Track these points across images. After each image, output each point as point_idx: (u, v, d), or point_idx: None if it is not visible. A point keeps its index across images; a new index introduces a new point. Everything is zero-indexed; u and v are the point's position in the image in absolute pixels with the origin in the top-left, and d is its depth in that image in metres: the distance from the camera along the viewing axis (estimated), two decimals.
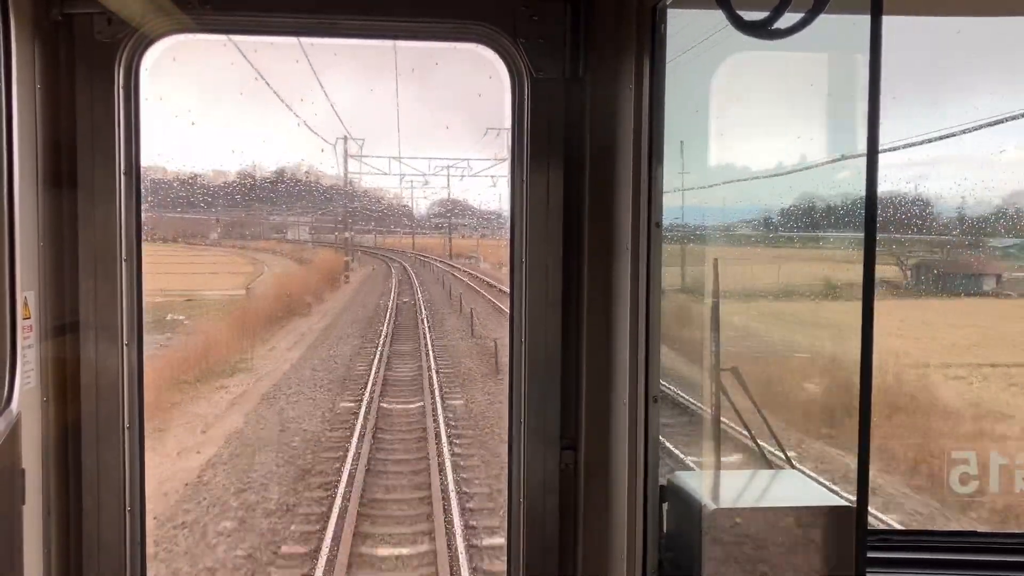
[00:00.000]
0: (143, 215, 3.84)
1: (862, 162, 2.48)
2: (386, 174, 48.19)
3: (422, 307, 39.36)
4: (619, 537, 3.63)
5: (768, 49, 2.70)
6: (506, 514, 4.09)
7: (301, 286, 41.90)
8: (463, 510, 13.61)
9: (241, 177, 36.45)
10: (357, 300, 43.56)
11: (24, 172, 3.27)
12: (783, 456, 4.22)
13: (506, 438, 4.11)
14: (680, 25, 3.48)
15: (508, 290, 4.07)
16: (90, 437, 3.72)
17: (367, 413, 19.38)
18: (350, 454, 16.30)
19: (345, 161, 42.43)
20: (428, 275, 57.84)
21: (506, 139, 4.07)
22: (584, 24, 3.77)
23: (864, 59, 2.57)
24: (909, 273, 24.52)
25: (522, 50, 3.78)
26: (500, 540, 12.09)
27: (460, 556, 11.98)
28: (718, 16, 2.70)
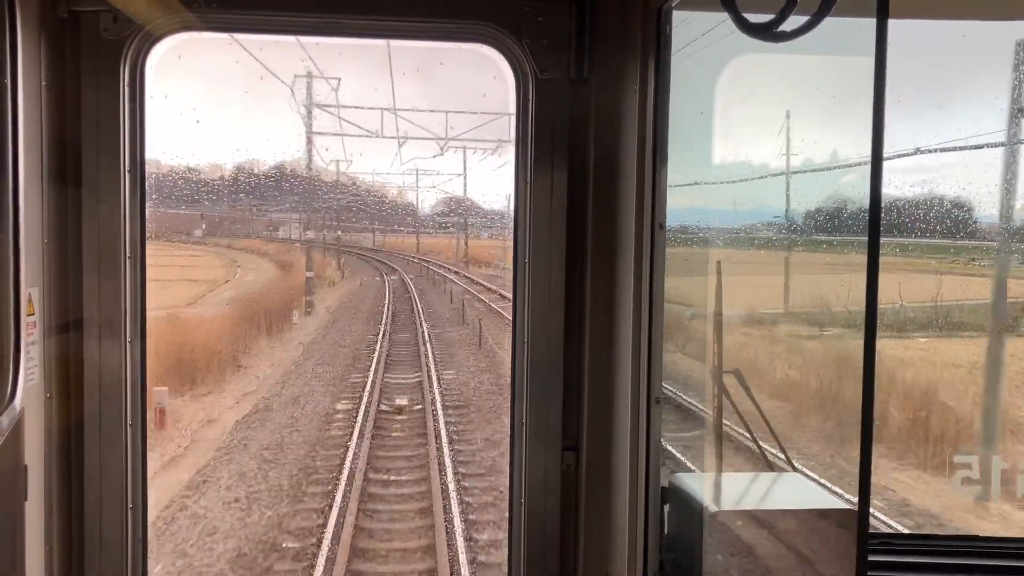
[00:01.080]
0: (147, 212, 3.85)
1: (867, 164, 2.47)
2: (376, 135, 31.79)
3: (443, 434, 15.89)
4: (620, 538, 3.63)
5: (774, 51, 2.70)
6: (507, 515, 4.09)
7: (211, 335, 23.71)
8: None
9: (237, 172, 32.40)
10: (292, 389, 20.83)
11: (29, 169, 3.28)
12: (784, 458, 4.22)
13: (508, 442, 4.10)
14: (686, 26, 3.48)
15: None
16: (92, 434, 3.73)
17: None
18: None
19: (309, 112, 30.00)
20: (441, 300, 36.30)
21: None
22: (589, 24, 3.77)
23: (869, 62, 2.56)
24: None
25: (527, 50, 3.78)
26: None
27: None
28: (723, 18, 2.70)
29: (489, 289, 37.16)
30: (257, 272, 36.52)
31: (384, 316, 30.65)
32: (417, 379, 20.86)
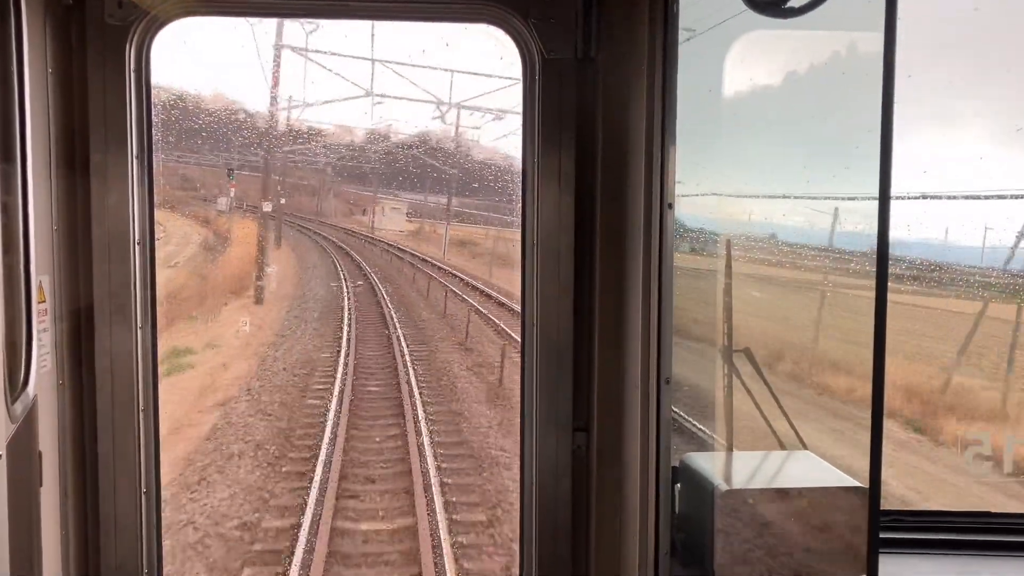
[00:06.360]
0: (156, 198, 3.86)
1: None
2: (366, 93, 26.08)
3: None
4: (632, 518, 3.65)
5: (783, 28, 2.68)
6: (519, 496, 4.11)
7: None
8: None
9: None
10: None
11: (37, 157, 3.28)
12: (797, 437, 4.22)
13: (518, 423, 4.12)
14: (693, 5, 3.45)
15: None
16: (105, 420, 3.75)
17: None
18: None
19: (277, 54, 25.01)
20: None
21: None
22: (596, 4, 3.74)
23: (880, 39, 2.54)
24: None
25: (533, 30, 3.76)
26: None
27: None
28: None
29: None
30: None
31: None
32: None
